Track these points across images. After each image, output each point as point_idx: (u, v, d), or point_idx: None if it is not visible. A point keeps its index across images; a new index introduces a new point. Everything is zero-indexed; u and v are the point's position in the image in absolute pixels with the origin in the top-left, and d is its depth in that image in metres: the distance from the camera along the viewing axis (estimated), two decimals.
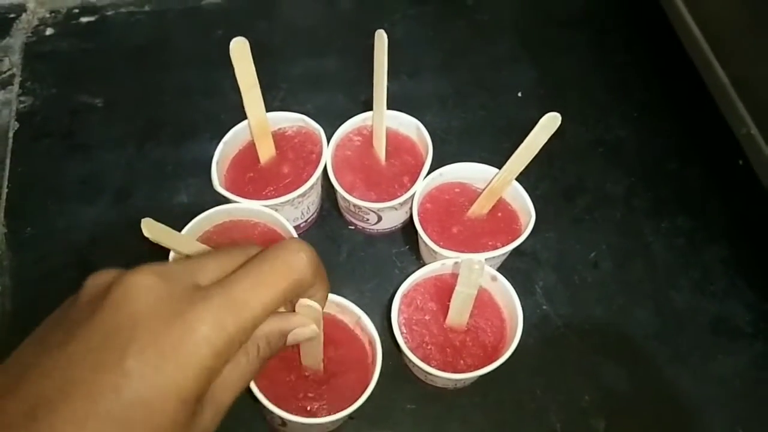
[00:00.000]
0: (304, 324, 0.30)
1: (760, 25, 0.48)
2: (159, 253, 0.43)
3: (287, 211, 0.50)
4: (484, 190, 0.50)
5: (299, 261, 0.27)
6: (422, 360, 0.43)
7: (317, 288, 0.29)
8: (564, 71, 0.67)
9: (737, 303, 0.54)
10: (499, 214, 0.50)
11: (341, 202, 0.54)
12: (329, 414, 0.41)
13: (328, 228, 0.56)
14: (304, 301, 0.29)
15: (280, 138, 0.53)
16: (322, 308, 0.30)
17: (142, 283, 0.24)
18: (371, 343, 0.44)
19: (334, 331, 0.44)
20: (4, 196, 0.57)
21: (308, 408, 0.42)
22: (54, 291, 0.52)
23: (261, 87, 0.48)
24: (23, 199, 0.57)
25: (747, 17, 0.49)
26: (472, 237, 0.49)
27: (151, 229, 0.37)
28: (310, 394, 0.42)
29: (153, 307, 0.23)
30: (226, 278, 0.25)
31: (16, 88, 0.64)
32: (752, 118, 0.50)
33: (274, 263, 0.26)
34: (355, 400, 0.41)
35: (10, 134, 0.60)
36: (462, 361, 0.45)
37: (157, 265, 0.25)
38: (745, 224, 0.58)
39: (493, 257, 0.48)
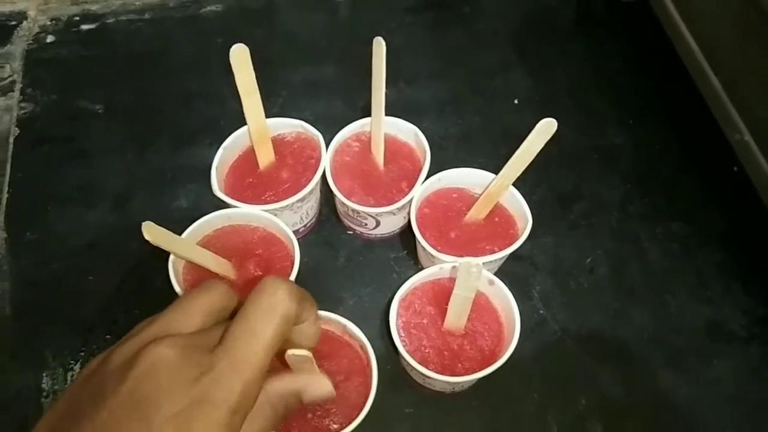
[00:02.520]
0: (319, 386, 0.31)
1: (752, 32, 0.49)
2: (159, 257, 0.44)
3: (286, 216, 0.50)
4: (481, 195, 0.50)
5: (279, 300, 0.29)
6: (420, 363, 0.43)
7: (306, 314, 0.30)
8: (559, 78, 0.68)
9: (732, 307, 0.54)
10: (497, 219, 0.51)
11: (340, 207, 0.54)
12: (342, 425, 0.41)
13: (327, 233, 0.57)
14: (290, 353, 0.30)
15: (279, 143, 0.53)
16: (316, 330, 0.31)
17: (164, 354, 0.26)
18: (363, 347, 0.44)
19: (324, 343, 0.44)
20: (4, 201, 0.57)
21: (321, 425, 0.42)
22: (54, 295, 0.53)
23: (260, 94, 0.48)
24: (23, 204, 0.57)
25: (739, 25, 0.50)
26: (470, 241, 0.50)
27: (152, 232, 0.38)
28: (318, 412, 0.42)
29: (173, 379, 0.25)
30: (224, 338, 0.28)
31: (16, 94, 0.64)
32: (745, 124, 0.50)
33: (257, 312, 0.28)
34: (362, 404, 0.41)
35: (11, 140, 0.61)
36: (459, 365, 0.45)
37: (177, 337, 0.27)
38: (740, 229, 0.58)
39: (491, 261, 0.48)
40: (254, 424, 0.28)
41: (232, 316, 0.30)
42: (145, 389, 0.25)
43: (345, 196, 0.50)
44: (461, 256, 0.47)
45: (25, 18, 0.70)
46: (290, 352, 0.30)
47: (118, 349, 0.27)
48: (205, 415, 0.25)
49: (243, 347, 0.27)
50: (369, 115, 0.51)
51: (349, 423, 0.41)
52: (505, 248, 0.48)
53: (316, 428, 0.42)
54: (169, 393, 0.25)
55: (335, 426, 0.42)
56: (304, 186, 0.49)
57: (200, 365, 0.26)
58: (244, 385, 0.26)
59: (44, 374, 0.49)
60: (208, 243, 0.48)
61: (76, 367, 0.50)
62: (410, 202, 0.50)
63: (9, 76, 0.65)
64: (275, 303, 0.29)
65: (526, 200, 0.50)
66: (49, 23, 0.70)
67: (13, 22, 0.70)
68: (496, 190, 0.49)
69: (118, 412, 0.24)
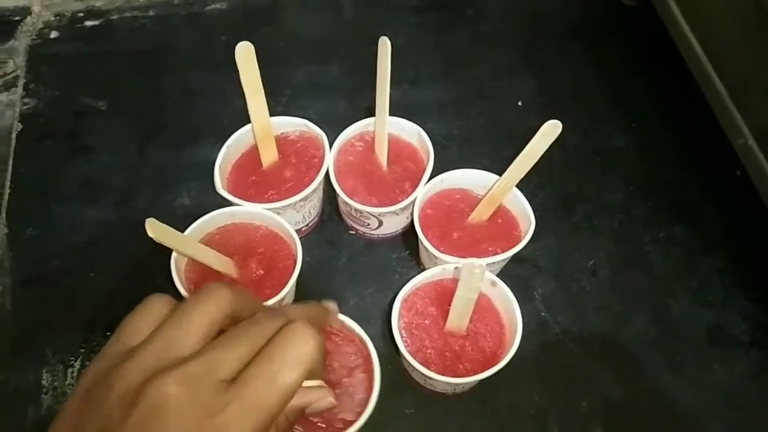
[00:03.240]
0: (321, 398, 0.31)
1: (757, 36, 0.49)
2: (161, 254, 0.44)
3: (289, 215, 0.50)
4: (484, 196, 0.50)
5: (309, 350, 0.28)
6: (422, 364, 0.43)
7: (319, 369, 0.30)
8: (563, 81, 0.68)
9: (734, 312, 0.54)
10: (500, 221, 0.51)
11: (342, 207, 0.54)
12: (347, 421, 0.41)
13: (329, 232, 0.57)
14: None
15: (282, 142, 0.53)
16: (323, 377, 0.31)
17: (170, 394, 0.24)
18: (362, 342, 0.44)
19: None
20: (6, 197, 0.57)
21: (327, 423, 0.42)
22: (54, 292, 0.53)
23: (264, 92, 0.48)
24: (25, 200, 0.57)
25: (744, 29, 0.50)
26: (473, 243, 0.49)
27: (155, 229, 0.38)
28: (324, 413, 0.42)
29: (179, 421, 0.24)
30: (242, 377, 0.26)
31: (20, 89, 0.64)
32: (749, 128, 0.50)
33: (284, 358, 0.27)
34: (366, 402, 0.41)
35: (13, 135, 0.61)
36: (461, 366, 0.45)
37: (181, 371, 0.25)
38: (743, 234, 0.58)
39: (493, 263, 0.48)
40: None
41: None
42: (151, 429, 0.24)
43: (348, 196, 0.50)
44: (464, 257, 0.47)
45: (29, 13, 0.70)
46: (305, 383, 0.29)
47: (116, 375, 0.26)
48: None
49: (259, 392, 0.26)
50: (372, 115, 0.51)
51: (356, 418, 0.41)
52: (507, 250, 0.48)
53: (323, 428, 0.42)
54: None
55: (339, 425, 0.42)
56: (307, 185, 0.49)
57: (209, 406, 0.25)
58: (253, 429, 0.25)
59: (44, 371, 0.49)
60: (211, 241, 0.48)
61: (76, 364, 0.50)
62: (413, 202, 0.50)
63: (12, 72, 0.65)
64: (305, 354, 0.27)
65: (529, 202, 0.50)
66: (53, 19, 0.70)
67: (17, 18, 0.69)
68: (499, 191, 0.49)
69: None
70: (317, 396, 0.30)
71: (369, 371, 0.43)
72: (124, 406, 0.25)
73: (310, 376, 0.28)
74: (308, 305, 0.36)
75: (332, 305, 0.39)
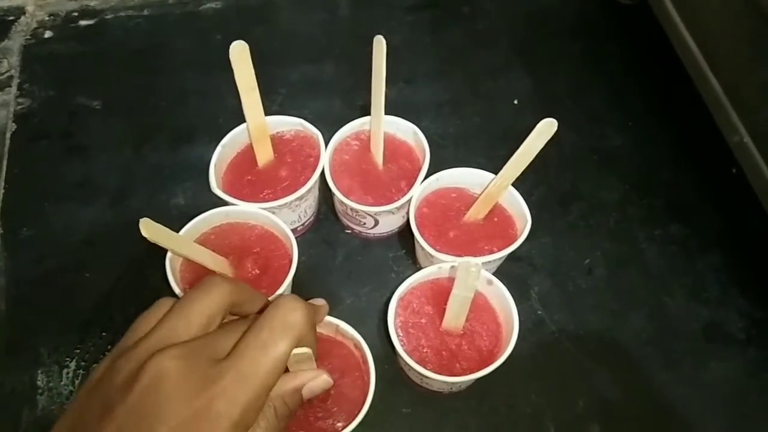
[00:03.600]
0: (315, 377, 0.31)
1: (752, 34, 0.49)
2: (156, 254, 0.43)
3: (285, 214, 0.50)
4: (480, 195, 0.50)
5: (295, 318, 0.29)
6: (418, 363, 0.43)
7: (309, 341, 0.31)
8: (559, 80, 0.68)
9: (730, 310, 0.54)
10: (495, 219, 0.51)
11: (338, 206, 0.54)
12: (346, 422, 0.41)
13: (325, 232, 0.57)
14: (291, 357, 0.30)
15: (278, 141, 0.53)
16: (314, 351, 0.31)
17: (168, 367, 0.26)
18: (357, 346, 0.44)
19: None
20: (0, 197, 0.57)
21: (325, 425, 0.42)
22: (49, 292, 0.53)
23: (259, 91, 0.48)
24: (20, 200, 0.57)
25: (739, 27, 0.50)
26: (469, 241, 0.49)
27: (150, 229, 0.37)
28: (319, 414, 0.42)
29: (177, 391, 0.26)
30: (234, 350, 0.28)
31: (14, 89, 0.64)
32: (744, 126, 0.50)
33: (272, 327, 0.28)
34: (362, 400, 0.41)
35: (8, 135, 0.61)
36: (458, 365, 0.45)
37: (180, 348, 0.27)
38: (738, 232, 0.58)
39: (489, 262, 0.48)
40: (258, 429, 0.28)
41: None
42: (149, 402, 0.25)
43: (344, 195, 0.50)
44: (460, 255, 0.47)
45: (23, 13, 0.70)
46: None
47: (121, 360, 0.27)
48: (207, 427, 0.25)
49: (252, 360, 0.27)
50: (368, 113, 0.51)
51: (353, 419, 0.41)
52: (503, 248, 0.48)
53: (321, 429, 0.42)
54: (173, 406, 0.25)
55: (340, 424, 0.42)
56: (303, 184, 0.49)
57: (205, 377, 0.26)
58: (248, 398, 0.26)
59: (39, 371, 0.49)
60: (206, 240, 0.48)
61: (72, 365, 0.49)
62: (409, 201, 0.50)
63: (6, 72, 0.65)
64: (292, 321, 0.29)
65: (525, 201, 0.50)
66: (47, 19, 0.69)
67: (11, 17, 0.69)
68: (495, 190, 0.49)
69: (124, 426, 0.25)
70: (312, 375, 0.31)
71: (364, 373, 0.43)
72: (125, 385, 0.26)
73: (300, 343, 0.29)
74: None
75: (321, 301, 0.39)
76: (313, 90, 0.65)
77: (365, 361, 0.43)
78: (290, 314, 0.29)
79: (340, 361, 0.44)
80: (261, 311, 0.31)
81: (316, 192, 0.54)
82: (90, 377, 0.28)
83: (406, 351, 0.44)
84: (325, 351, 0.44)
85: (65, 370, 0.49)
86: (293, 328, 0.29)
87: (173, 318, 0.29)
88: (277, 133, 0.53)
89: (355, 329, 0.44)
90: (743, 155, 0.51)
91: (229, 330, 0.29)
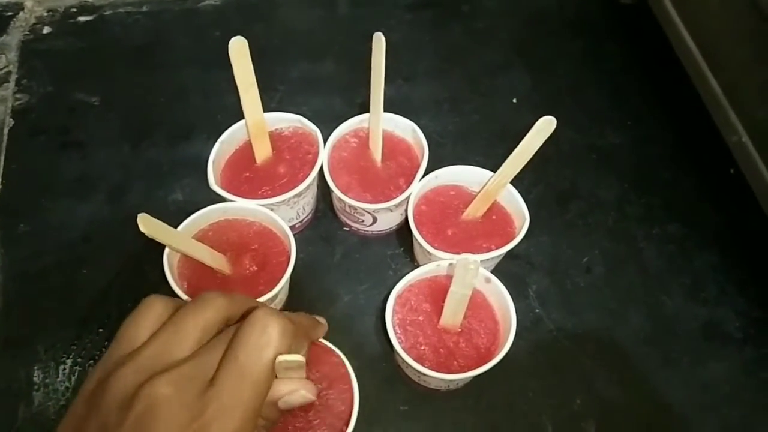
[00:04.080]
0: (292, 392, 0.30)
1: (751, 34, 0.49)
2: (153, 250, 0.43)
3: (283, 211, 0.50)
4: (478, 193, 0.50)
5: (270, 336, 0.28)
6: (416, 361, 0.43)
7: (300, 347, 0.31)
8: (558, 78, 0.67)
9: (728, 309, 0.55)
10: (494, 217, 0.51)
11: (337, 203, 0.54)
12: None
13: (323, 229, 0.56)
14: (280, 359, 0.29)
15: (276, 138, 0.53)
16: (306, 355, 0.31)
17: (162, 395, 0.26)
18: (337, 355, 0.44)
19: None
20: None
21: None
22: (46, 288, 0.52)
23: (258, 88, 0.48)
24: (17, 196, 0.57)
25: (738, 26, 0.50)
26: (467, 239, 0.49)
27: (148, 224, 0.37)
28: (298, 425, 0.41)
29: (171, 421, 0.26)
30: (215, 377, 0.27)
31: (12, 85, 0.64)
32: (743, 126, 0.51)
33: (246, 351, 0.28)
34: (346, 413, 0.41)
35: (5, 131, 0.60)
36: (455, 362, 0.45)
37: (172, 374, 0.26)
38: (736, 231, 0.58)
39: (488, 259, 0.48)
40: None
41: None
42: (145, 430, 0.25)
43: (342, 192, 0.50)
44: (458, 253, 0.47)
45: (22, 9, 0.69)
46: (281, 357, 0.29)
47: (115, 378, 0.27)
48: None
49: (231, 390, 0.27)
50: (367, 111, 0.51)
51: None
52: (502, 246, 0.48)
53: None
54: None
55: None
56: (301, 181, 0.49)
57: (194, 407, 0.26)
58: (235, 427, 0.26)
59: (36, 368, 0.49)
60: (204, 237, 0.48)
61: (68, 361, 0.49)
62: (407, 198, 0.50)
63: (5, 67, 0.65)
64: (266, 342, 0.28)
65: (523, 199, 0.50)
66: (45, 14, 0.69)
67: (10, 13, 0.69)
68: (493, 188, 0.49)
69: None
70: (289, 389, 0.30)
71: (348, 383, 0.43)
72: (120, 409, 0.26)
73: (287, 352, 0.28)
74: (299, 314, 0.36)
75: (322, 319, 0.39)
76: (312, 87, 0.65)
77: (349, 378, 0.42)
78: (263, 333, 0.28)
79: (330, 369, 0.43)
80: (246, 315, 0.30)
81: (314, 189, 0.54)
82: (84, 386, 0.28)
83: (403, 348, 0.44)
84: (315, 357, 0.43)
85: (62, 367, 0.49)
86: (268, 346, 0.28)
87: (167, 334, 0.28)
88: (276, 129, 0.53)
89: (353, 326, 0.44)
90: (742, 155, 0.51)
91: (212, 348, 0.28)
